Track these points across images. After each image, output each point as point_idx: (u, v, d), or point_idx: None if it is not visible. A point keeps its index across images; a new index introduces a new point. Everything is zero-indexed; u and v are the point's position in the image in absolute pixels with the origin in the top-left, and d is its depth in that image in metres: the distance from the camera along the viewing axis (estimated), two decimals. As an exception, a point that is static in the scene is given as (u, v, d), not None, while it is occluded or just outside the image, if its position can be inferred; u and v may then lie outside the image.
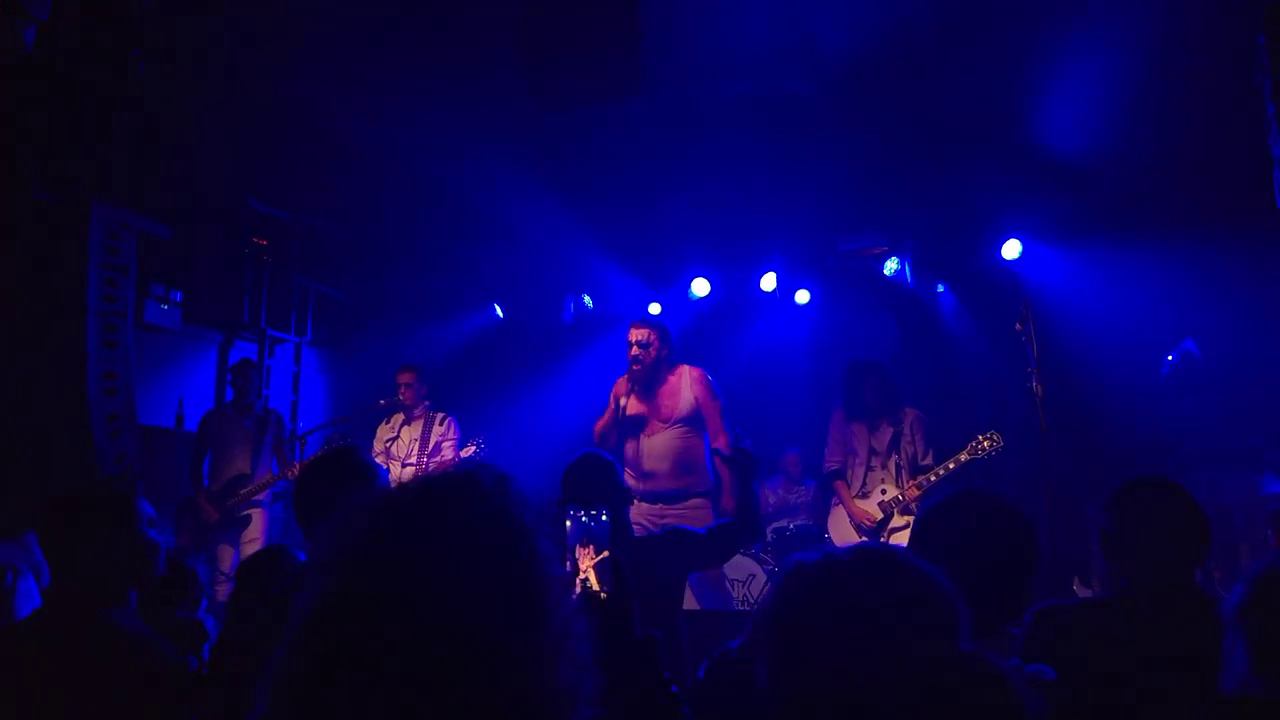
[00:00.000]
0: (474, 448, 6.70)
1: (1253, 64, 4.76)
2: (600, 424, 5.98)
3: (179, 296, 7.61)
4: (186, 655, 3.08)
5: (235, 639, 2.88)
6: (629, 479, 5.61)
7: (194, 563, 3.49)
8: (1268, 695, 1.82)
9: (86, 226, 5.91)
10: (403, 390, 7.06)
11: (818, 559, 1.43)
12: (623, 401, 5.84)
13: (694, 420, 5.95)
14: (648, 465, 5.90)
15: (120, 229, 6.22)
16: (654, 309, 8.78)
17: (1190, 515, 2.64)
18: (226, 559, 6.71)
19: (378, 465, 2.98)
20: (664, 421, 5.93)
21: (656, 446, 5.90)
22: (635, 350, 5.87)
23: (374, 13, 6.12)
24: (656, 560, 3.67)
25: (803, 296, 8.74)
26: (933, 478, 6.10)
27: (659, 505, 5.85)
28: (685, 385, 5.98)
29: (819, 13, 6.23)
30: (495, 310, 9.56)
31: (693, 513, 5.77)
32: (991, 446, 5.95)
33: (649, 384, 5.94)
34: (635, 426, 5.96)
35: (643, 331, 5.92)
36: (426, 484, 1.28)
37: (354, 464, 2.87)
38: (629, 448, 5.99)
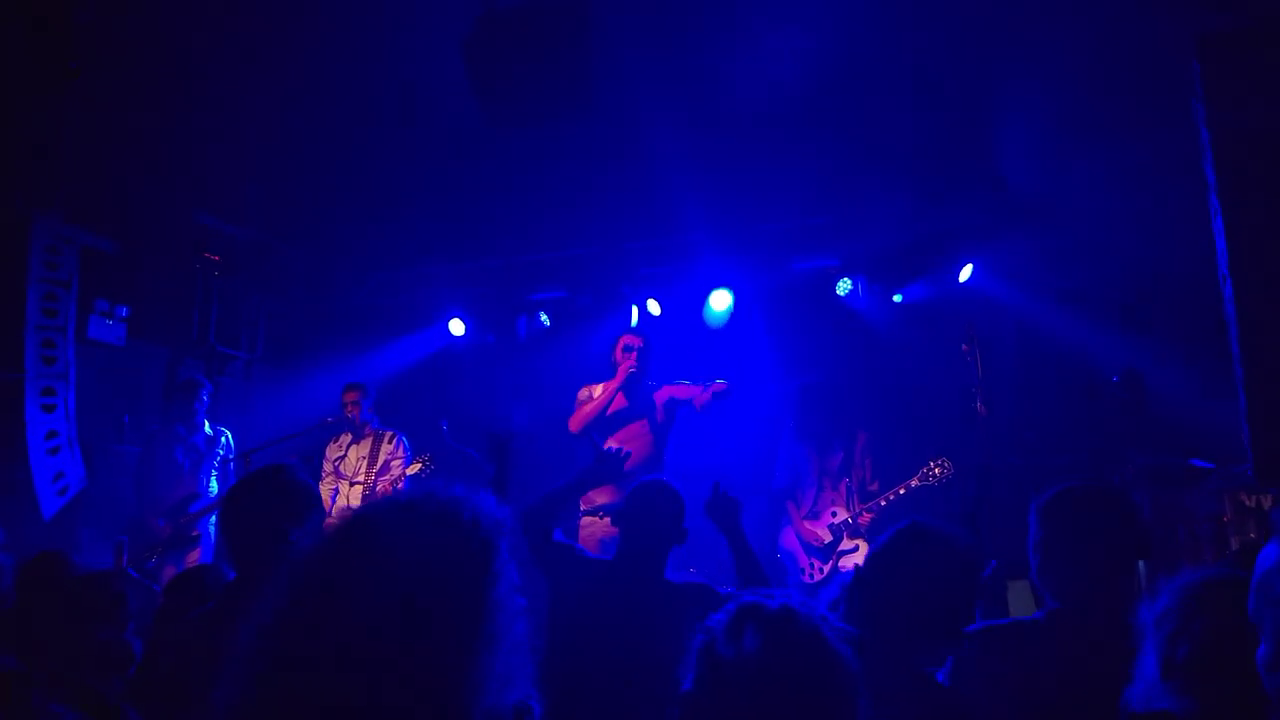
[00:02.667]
0: (421, 465, 6.64)
1: (1189, 92, 4.84)
2: (587, 414, 6.09)
3: (125, 312, 7.49)
4: (109, 677, 3.00)
5: (158, 658, 2.82)
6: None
7: (121, 584, 3.40)
8: (1177, 711, 1.79)
9: (26, 240, 5.82)
10: (349, 408, 7.01)
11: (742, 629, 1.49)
12: (613, 398, 6.07)
13: (663, 433, 6.16)
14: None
15: (62, 243, 6.14)
16: (653, 306, 8.77)
17: (1126, 524, 2.45)
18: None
19: (310, 484, 2.93)
20: (641, 429, 6.10)
21: (636, 448, 5.96)
22: (635, 355, 6.18)
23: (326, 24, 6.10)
24: (684, 612, 3.56)
25: (755, 316, 8.76)
26: (883, 503, 6.17)
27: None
28: (668, 397, 6.20)
29: (773, 35, 6.28)
30: (449, 328, 9.48)
31: None
32: (942, 473, 6.04)
33: (637, 390, 6.18)
34: (611, 429, 6.08)
35: (640, 339, 6.29)
36: (386, 508, 1.28)
37: (282, 483, 2.83)
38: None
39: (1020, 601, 4.94)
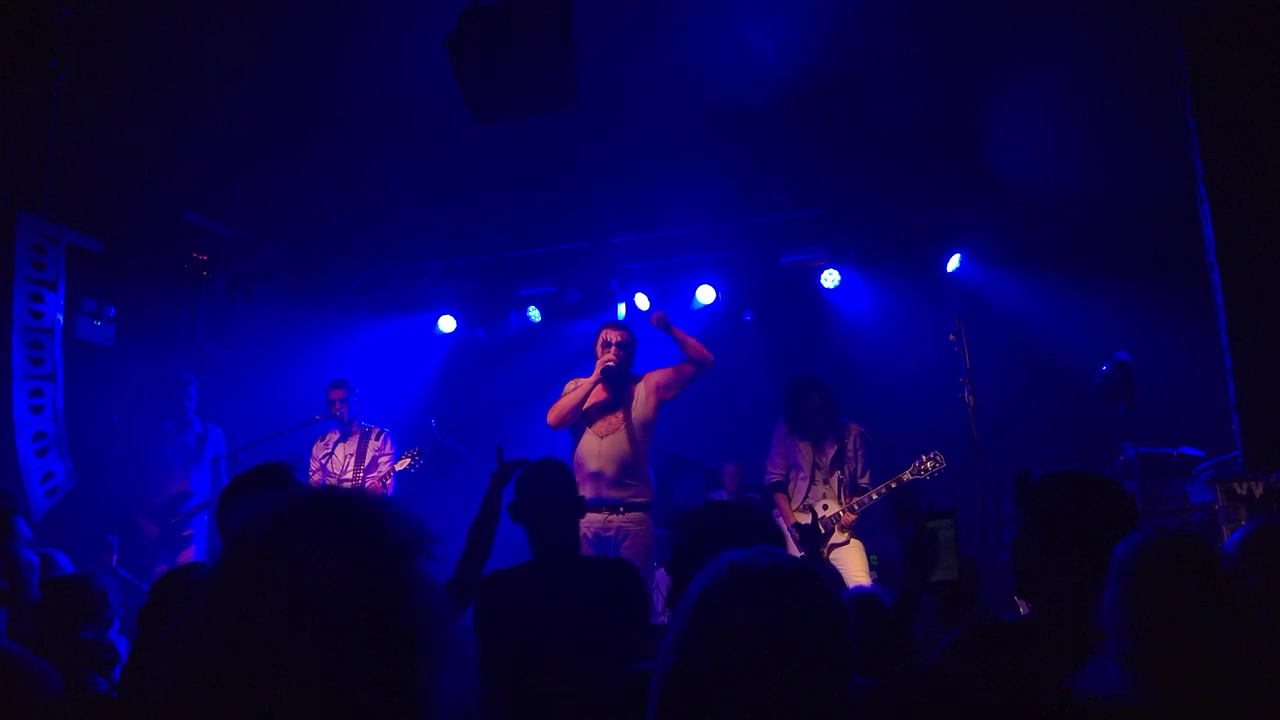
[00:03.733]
0: (410, 460, 6.62)
1: (1175, 79, 4.84)
2: (563, 408, 5.95)
3: (112, 312, 7.44)
4: (92, 676, 2.99)
5: (143, 657, 2.80)
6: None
7: (105, 583, 3.39)
8: (1138, 702, 1.75)
9: (11, 240, 5.79)
10: (336, 405, 6.98)
11: (741, 566, 1.48)
12: (590, 392, 5.89)
13: (647, 429, 5.98)
14: (595, 465, 5.83)
15: (48, 242, 6.10)
16: (641, 300, 8.72)
17: (1114, 514, 2.26)
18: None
19: (301, 482, 2.91)
20: (621, 424, 5.93)
21: (608, 447, 5.87)
22: (614, 349, 5.94)
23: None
24: (606, 588, 3.39)
25: (743, 311, 8.76)
26: (874, 495, 6.16)
27: (604, 513, 5.74)
28: (649, 392, 6.02)
29: (760, 28, 6.27)
30: (438, 324, 9.47)
31: (635, 527, 5.75)
32: (935, 467, 6.01)
33: (617, 384, 5.97)
34: (591, 421, 5.96)
35: (620, 333, 6.03)
36: (296, 505, 1.22)
37: (277, 480, 2.80)
38: (582, 443, 5.96)
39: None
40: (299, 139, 7.18)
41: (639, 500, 5.83)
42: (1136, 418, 6.74)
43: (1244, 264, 4.14)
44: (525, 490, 3.44)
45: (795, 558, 1.55)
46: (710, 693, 1.40)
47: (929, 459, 6.02)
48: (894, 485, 6.09)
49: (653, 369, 6.12)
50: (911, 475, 6.06)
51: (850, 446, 6.36)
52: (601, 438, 5.93)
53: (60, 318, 6.39)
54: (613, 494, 5.78)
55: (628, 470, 5.83)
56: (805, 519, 6.15)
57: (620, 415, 5.97)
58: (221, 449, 7.20)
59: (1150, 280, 6.89)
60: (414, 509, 1.24)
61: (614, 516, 5.74)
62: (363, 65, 6.44)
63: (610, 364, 5.90)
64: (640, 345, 6.20)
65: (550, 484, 3.47)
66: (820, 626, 1.42)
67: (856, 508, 6.16)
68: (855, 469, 6.33)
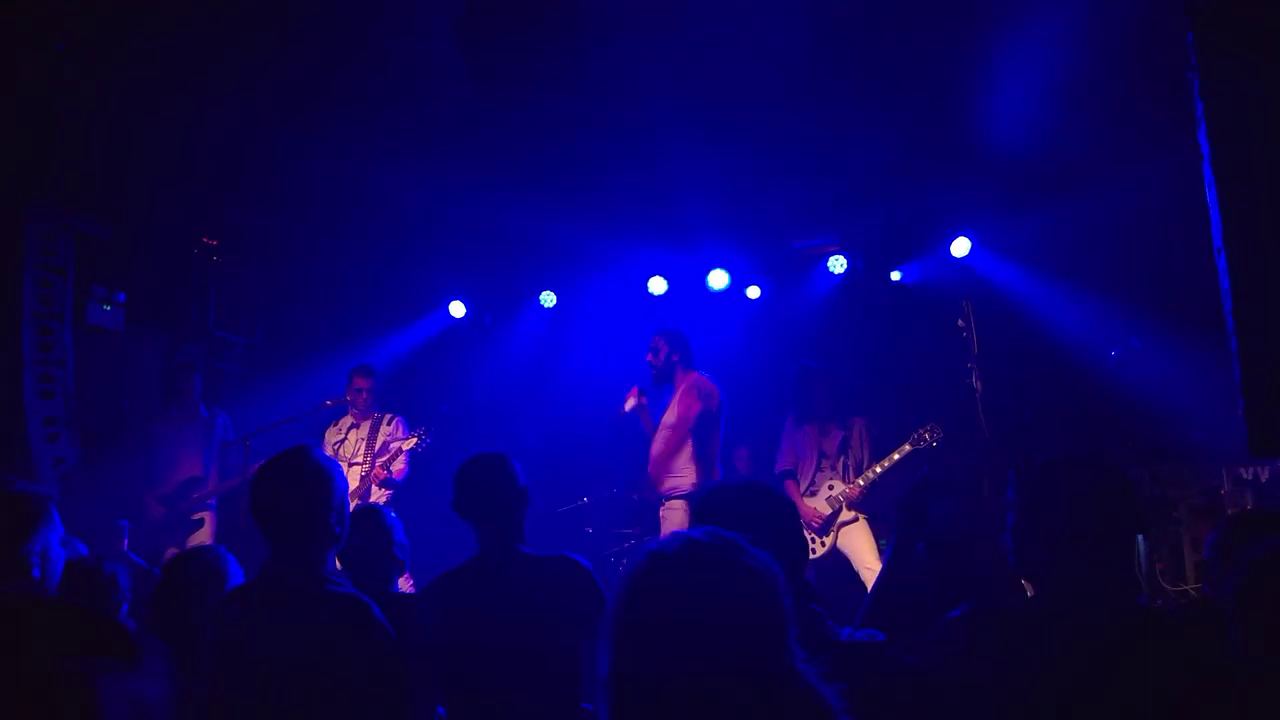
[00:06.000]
0: (417, 439, 6.63)
1: (1184, 62, 4.81)
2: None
3: (122, 298, 7.48)
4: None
5: (152, 639, 2.83)
6: None
7: (114, 567, 3.42)
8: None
9: (20, 226, 5.82)
10: (363, 394, 6.97)
11: (656, 552, 1.47)
12: (642, 403, 6.55)
13: (680, 425, 6.31)
14: (650, 468, 6.40)
15: (57, 229, 6.14)
16: (657, 285, 8.91)
17: (1118, 499, 2.22)
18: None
19: (333, 463, 2.91)
20: (662, 425, 6.41)
21: (654, 448, 6.40)
22: (648, 356, 6.56)
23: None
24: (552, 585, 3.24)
25: (753, 292, 8.76)
26: (879, 469, 6.32)
27: (659, 508, 6.34)
28: (682, 391, 6.40)
29: (768, 9, 6.22)
30: (450, 310, 9.49)
31: (670, 514, 6.22)
32: (932, 438, 6.18)
33: (661, 388, 6.56)
34: (650, 428, 6.52)
35: (654, 339, 6.59)
36: None
37: (310, 463, 2.81)
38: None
39: None
40: (308, 124, 7.16)
41: (677, 493, 6.24)
42: (1143, 405, 6.74)
43: (1251, 248, 4.12)
44: (458, 484, 3.33)
45: (716, 534, 1.52)
46: (648, 688, 1.38)
47: (927, 430, 6.22)
48: (897, 457, 6.28)
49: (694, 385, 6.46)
50: (911, 446, 6.25)
51: (856, 436, 6.54)
52: (654, 440, 6.46)
53: (70, 303, 6.43)
54: (659, 489, 6.34)
55: (665, 467, 6.32)
56: (823, 509, 6.31)
57: (662, 417, 6.49)
58: (230, 434, 7.23)
59: (1159, 265, 6.86)
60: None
61: (660, 510, 6.30)
62: (372, 50, 6.42)
63: (642, 404, 6.56)
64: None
65: (483, 477, 3.32)
66: (734, 601, 1.40)
67: (863, 483, 6.32)
68: (862, 457, 6.46)
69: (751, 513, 2.29)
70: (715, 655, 1.34)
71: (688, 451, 6.26)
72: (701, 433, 6.29)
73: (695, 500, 5.87)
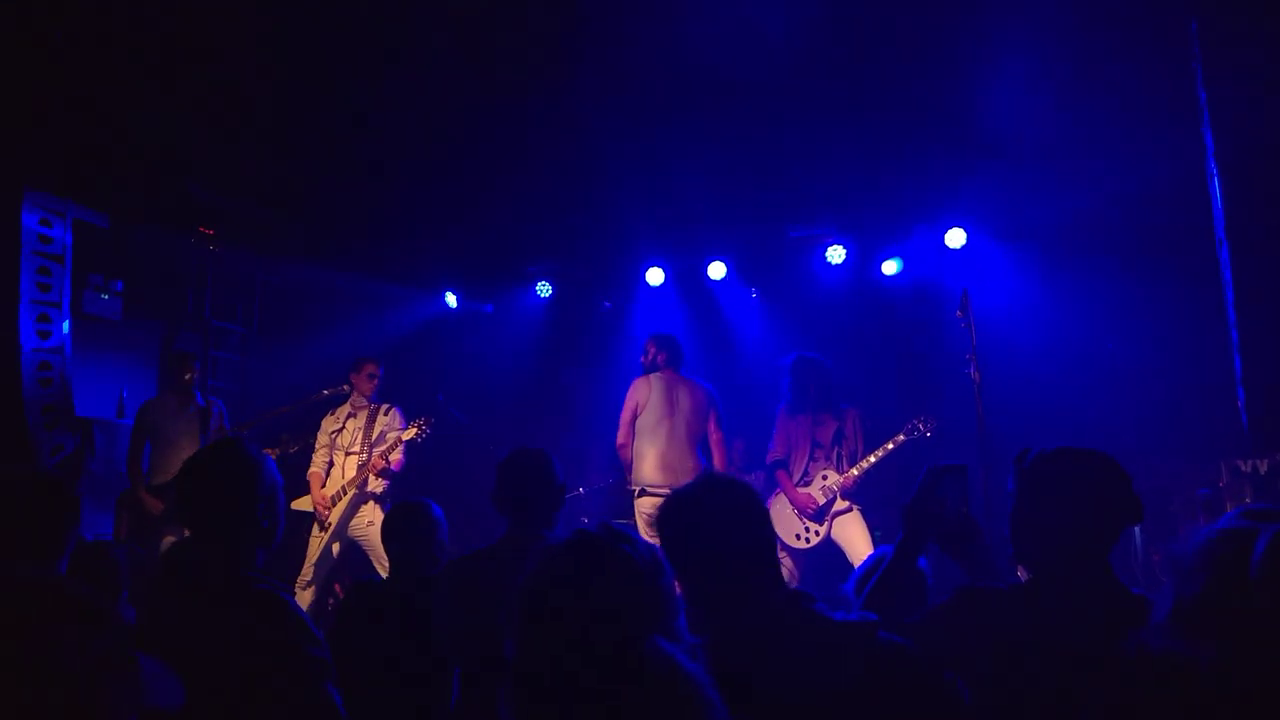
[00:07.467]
0: (417, 430, 6.61)
1: (1188, 51, 4.81)
2: None
3: (119, 286, 7.46)
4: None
5: (150, 625, 2.81)
6: None
7: (118, 553, 3.42)
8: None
9: (18, 214, 5.80)
10: (370, 382, 6.94)
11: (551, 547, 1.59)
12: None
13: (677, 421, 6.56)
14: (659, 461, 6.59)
15: (54, 217, 6.11)
16: (654, 276, 8.93)
17: (1113, 490, 2.28)
18: (172, 551, 6.59)
19: (265, 457, 2.83)
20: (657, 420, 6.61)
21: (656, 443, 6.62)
22: (641, 358, 6.82)
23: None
24: None
25: (752, 286, 8.77)
26: (872, 458, 6.36)
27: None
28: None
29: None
30: (446, 299, 9.48)
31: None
32: (926, 428, 6.26)
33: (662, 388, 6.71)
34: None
35: (646, 343, 6.84)
36: None
37: (240, 456, 2.74)
38: None
39: None
40: (305, 114, 7.15)
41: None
42: (1142, 397, 6.75)
43: (1253, 240, 4.13)
44: (501, 476, 3.37)
45: (606, 527, 1.62)
46: (527, 671, 1.48)
47: (920, 421, 6.28)
48: (891, 447, 6.32)
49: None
50: (905, 437, 6.30)
51: (849, 427, 6.56)
52: None
53: (68, 291, 6.41)
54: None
55: (665, 461, 6.53)
56: (818, 498, 6.33)
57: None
58: (226, 422, 7.21)
59: (1156, 267, 6.86)
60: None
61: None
62: (371, 37, 6.40)
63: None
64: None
65: (525, 470, 3.38)
66: (602, 588, 1.50)
67: (856, 472, 6.35)
68: (855, 447, 6.48)
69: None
70: (578, 637, 1.44)
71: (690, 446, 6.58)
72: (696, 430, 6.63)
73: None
